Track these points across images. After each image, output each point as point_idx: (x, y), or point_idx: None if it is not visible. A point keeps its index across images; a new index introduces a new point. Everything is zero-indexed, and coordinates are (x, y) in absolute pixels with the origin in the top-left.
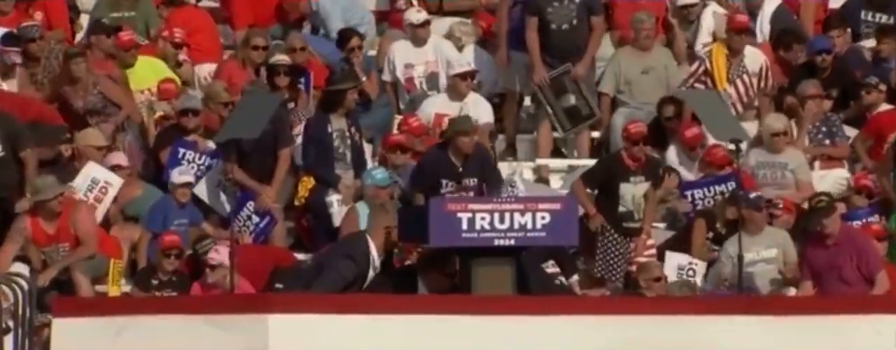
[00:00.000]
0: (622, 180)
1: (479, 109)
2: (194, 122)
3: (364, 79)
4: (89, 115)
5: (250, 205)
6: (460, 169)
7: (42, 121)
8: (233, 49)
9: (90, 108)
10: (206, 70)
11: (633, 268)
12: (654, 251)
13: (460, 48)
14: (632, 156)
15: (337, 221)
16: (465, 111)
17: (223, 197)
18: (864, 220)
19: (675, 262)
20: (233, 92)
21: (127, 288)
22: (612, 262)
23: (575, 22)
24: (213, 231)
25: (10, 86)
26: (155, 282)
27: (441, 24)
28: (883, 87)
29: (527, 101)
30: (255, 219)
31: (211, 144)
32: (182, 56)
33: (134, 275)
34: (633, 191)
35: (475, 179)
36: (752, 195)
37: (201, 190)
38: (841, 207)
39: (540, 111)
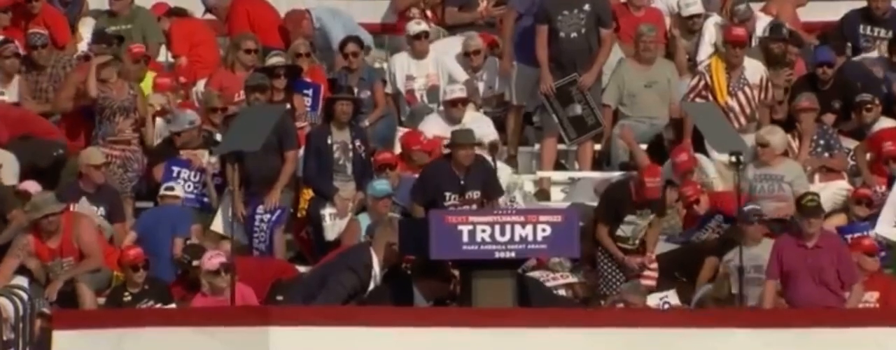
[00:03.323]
0: (629, 212)
1: (481, 127)
2: (190, 137)
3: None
4: (119, 113)
5: (260, 208)
6: (462, 182)
7: (35, 134)
8: None
9: (121, 105)
10: (203, 84)
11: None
12: (655, 265)
13: (484, 60)
14: (643, 193)
15: (329, 235)
16: None
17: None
18: (863, 233)
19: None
20: (225, 97)
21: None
22: (611, 279)
23: (584, 30)
24: (199, 237)
25: (9, 95)
26: (127, 297)
27: (454, 40)
28: (878, 101)
29: (534, 115)
30: (268, 216)
31: (204, 160)
32: (182, 79)
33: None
34: (637, 221)
35: (478, 192)
36: (747, 208)
37: (217, 225)
38: (841, 218)
39: (545, 122)
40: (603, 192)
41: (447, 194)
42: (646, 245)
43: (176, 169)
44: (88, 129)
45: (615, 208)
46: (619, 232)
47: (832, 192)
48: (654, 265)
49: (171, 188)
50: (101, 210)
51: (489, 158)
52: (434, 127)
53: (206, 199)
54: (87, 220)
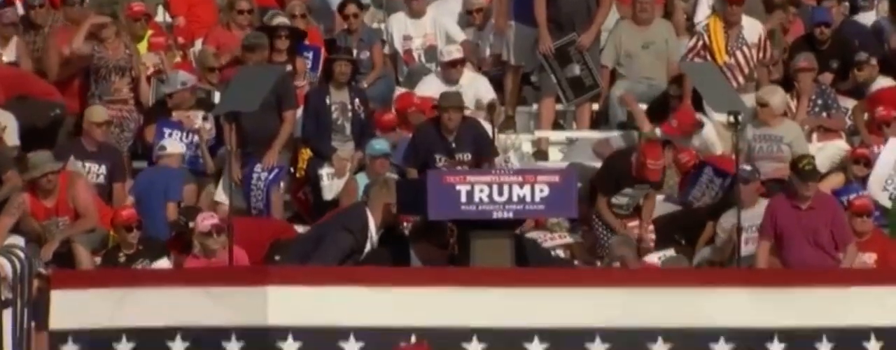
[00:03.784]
0: (628, 186)
1: (478, 88)
2: (182, 97)
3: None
4: (115, 72)
5: (257, 167)
6: (453, 144)
7: (33, 95)
8: None
9: (117, 64)
10: (200, 44)
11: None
12: (652, 234)
13: (486, 19)
14: (643, 173)
15: (327, 194)
16: (462, 94)
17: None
18: (857, 194)
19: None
20: (220, 56)
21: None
22: (607, 242)
23: None
24: (194, 198)
25: (7, 56)
26: (122, 257)
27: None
28: (874, 60)
29: (532, 75)
30: (265, 175)
31: (197, 121)
32: (180, 39)
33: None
34: (634, 194)
35: (469, 154)
36: (745, 168)
37: (220, 194)
38: (840, 178)
39: (544, 82)
40: (605, 161)
41: (437, 157)
42: (641, 211)
43: (167, 131)
44: (82, 88)
45: (616, 180)
46: (614, 200)
47: (830, 151)
48: (652, 233)
49: (163, 148)
50: (103, 168)
51: (484, 120)
52: (431, 87)
53: (199, 161)
54: (83, 179)
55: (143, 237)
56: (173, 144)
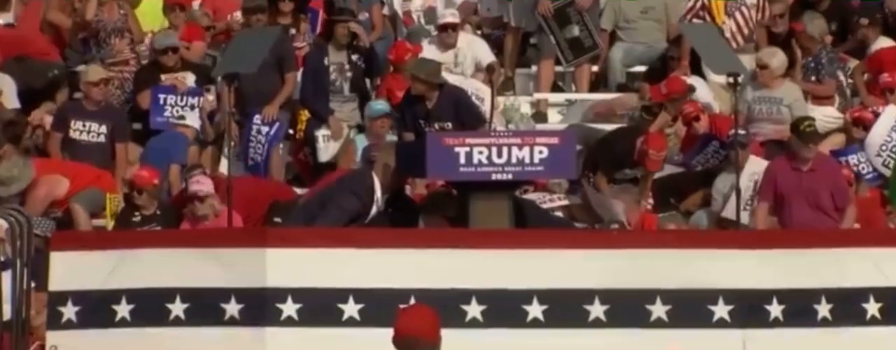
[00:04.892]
0: (628, 167)
1: (476, 51)
2: (173, 60)
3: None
4: (114, 34)
5: (257, 119)
6: (432, 111)
7: (31, 55)
8: None
9: (115, 26)
10: (198, 5)
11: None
12: (651, 198)
13: None
14: (644, 161)
15: (323, 156)
16: (460, 57)
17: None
18: (852, 157)
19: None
20: (218, 16)
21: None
22: (602, 205)
23: None
24: (196, 159)
25: (5, 18)
26: (136, 218)
27: None
28: (875, 21)
29: (532, 37)
30: (265, 129)
31: (190, 82)
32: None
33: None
34: (630, 174)
35: (449, 123)
36: (741, 133)
37: (222, 166)
38: (840, 138)
39: (543, 44)
40: (609, 138)
41: (421, 122)
42: (638, 182)
43: (162, 96)
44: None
45: (618, 161)
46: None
47: (819, 117)
48: (650, 198)
49: (183, 117)
50: (104, 128)
51: (484, 82)
52: (429, 51)
53: (199, 122)
54: (47, 183)
55: (161, 200)
56: (191, 117)
